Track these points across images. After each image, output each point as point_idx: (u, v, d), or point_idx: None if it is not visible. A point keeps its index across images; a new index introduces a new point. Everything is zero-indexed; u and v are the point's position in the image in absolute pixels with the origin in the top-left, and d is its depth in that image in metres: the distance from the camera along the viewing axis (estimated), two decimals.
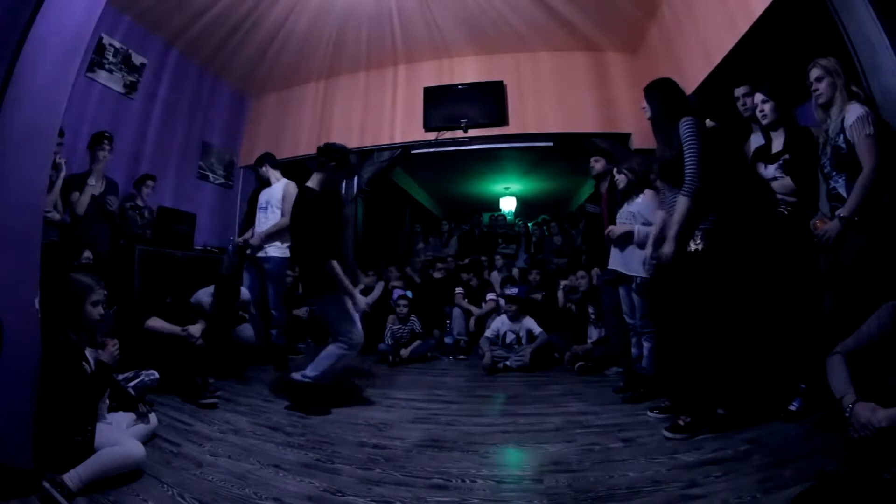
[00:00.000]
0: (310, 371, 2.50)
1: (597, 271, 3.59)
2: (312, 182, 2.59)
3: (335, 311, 2.51)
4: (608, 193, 3.04)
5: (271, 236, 3.48)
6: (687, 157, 1.96)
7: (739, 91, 2.43)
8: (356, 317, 2.56)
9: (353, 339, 2.50)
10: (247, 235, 3.71)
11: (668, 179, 2.10)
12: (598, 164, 3.23)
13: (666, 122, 2.09)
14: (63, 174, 2.89)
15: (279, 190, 3.60)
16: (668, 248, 1.99)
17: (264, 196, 3.68)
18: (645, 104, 2.23)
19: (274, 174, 3.69)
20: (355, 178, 5.03)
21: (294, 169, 5.19)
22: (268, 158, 3.74)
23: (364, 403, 2.61)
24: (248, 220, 3.94)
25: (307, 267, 2.59)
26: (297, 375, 2.52)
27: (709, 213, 1.98)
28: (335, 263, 2.43)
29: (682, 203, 1.96)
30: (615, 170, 2.84)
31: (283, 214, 3.50)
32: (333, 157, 2.59)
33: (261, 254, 3.50)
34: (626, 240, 2.61)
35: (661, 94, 2.15)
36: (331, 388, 2.55)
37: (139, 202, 3.81)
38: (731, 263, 2.04)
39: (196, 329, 2.67)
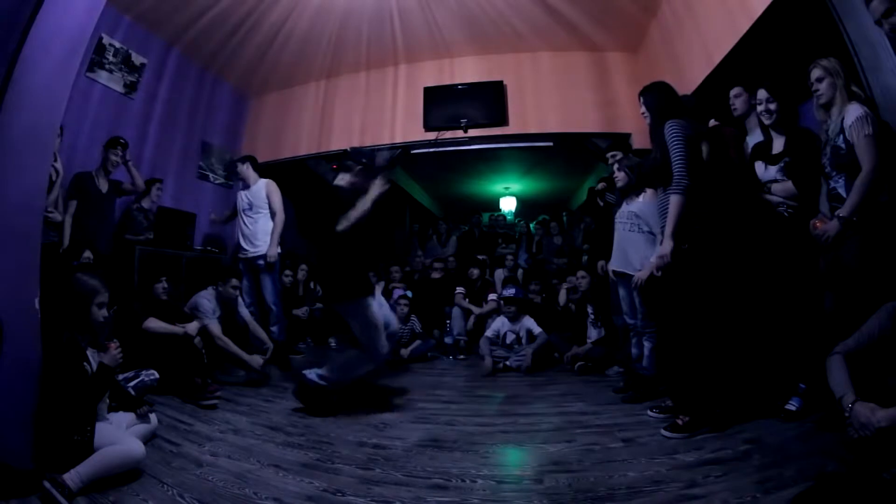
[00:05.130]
0: (326, 373, 2.42)
1: (602, 264, 3.56)
2: (342, 181, 2.63)
3: (362, 319, 2.41)
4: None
5: (275, 238, 3.49)
6: (673, 158, 1.97)
7: (733, 92, 2.43)
8: (382, 327, 2.48)
9: (378, 352, 2.43)
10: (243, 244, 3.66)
11: (652, 183, 2.11)
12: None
13: (658, 126, 2.09)
14: (61, 175, 2.89)
15: (261, 190, 3.60)
16: (665, 247, 1.97)
17: (244, 197, 3.66)
18: (644, 110, 2.22)
19: (252, 175, 3.69)
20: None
21: (294, 169, 5.22)
22: (249, 159, 3.76)
23: (363, 404, 2.61)
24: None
25: (333, 270, 2.48)
26: (311, 375, 2.42)
27: (705, 212, 1.97)
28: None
29: (674, 201, 1.96)
30: (615, 167, 2.84)
31: (274, 213, 3.51)
32: (361, 162, 2.67)
33: (253, 252, 3.49)
34: (627, 239, 2.60)
35: (653, 99, 2.16)
36: (341, 392, 2.49)
37: (145, 204, 3.82)
38: (731, 263, 2.04)
39: (193, 327, 2.72)
